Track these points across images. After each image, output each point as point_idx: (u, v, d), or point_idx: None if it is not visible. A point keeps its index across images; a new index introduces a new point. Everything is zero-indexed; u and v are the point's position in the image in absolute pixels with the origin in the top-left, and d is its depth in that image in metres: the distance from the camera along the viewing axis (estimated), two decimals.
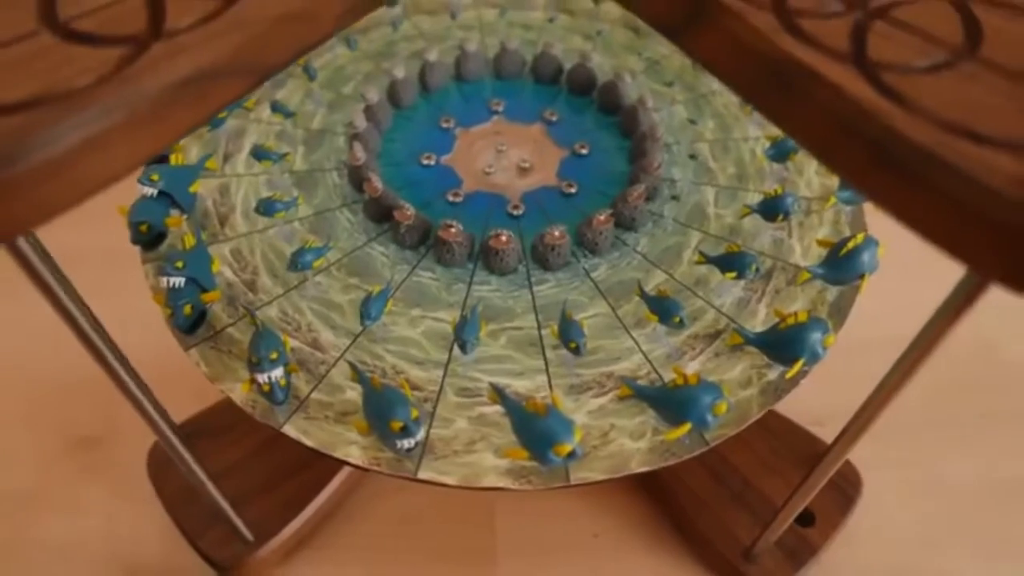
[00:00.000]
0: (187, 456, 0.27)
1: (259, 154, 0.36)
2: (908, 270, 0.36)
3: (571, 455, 0.25)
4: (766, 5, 0.20)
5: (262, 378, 0.26)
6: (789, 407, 0.39)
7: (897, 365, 0.22)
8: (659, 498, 0.37)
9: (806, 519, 0.35)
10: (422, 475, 0.26)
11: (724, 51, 0.20)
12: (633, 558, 0.36)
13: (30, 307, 0.44)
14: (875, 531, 0.38)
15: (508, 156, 0.37)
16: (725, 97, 0.40)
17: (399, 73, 0.39)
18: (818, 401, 0.35)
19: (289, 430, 0.27)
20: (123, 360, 0.23)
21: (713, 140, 0.38)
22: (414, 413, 0.25)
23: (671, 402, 0.26)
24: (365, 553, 0.37)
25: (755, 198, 0.34)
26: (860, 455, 0.37)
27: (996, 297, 0.39)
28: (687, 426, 0.26)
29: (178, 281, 0.28)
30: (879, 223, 0.25)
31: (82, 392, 0.42)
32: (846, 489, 0.36)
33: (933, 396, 0.42)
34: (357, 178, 0.35)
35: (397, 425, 0.24)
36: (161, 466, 0.37)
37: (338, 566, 0.36)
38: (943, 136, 0.16)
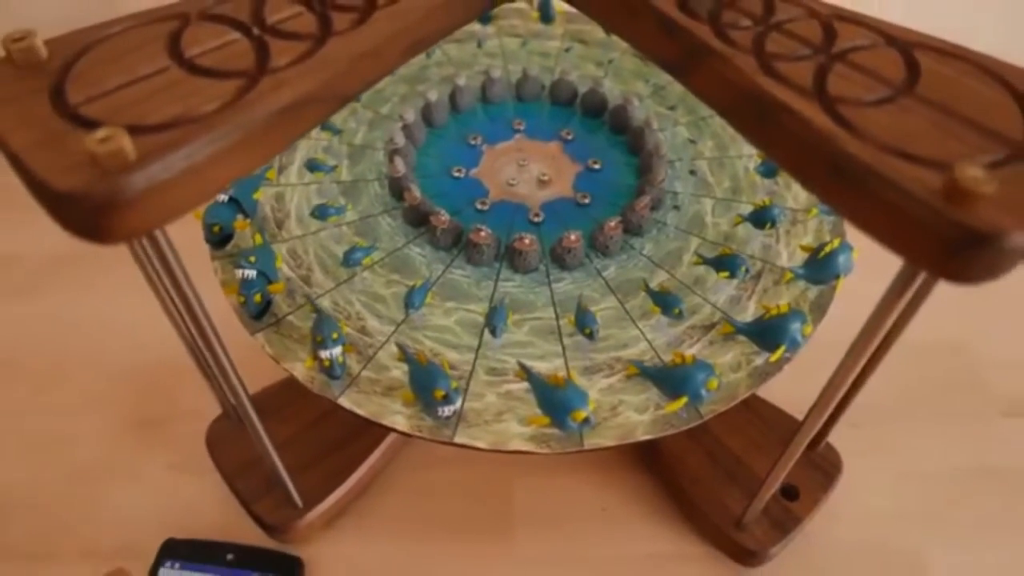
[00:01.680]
0: (258, 423, 0.32)
1: (312, 166, 0.40)
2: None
3: (586, 421, 0.29)
4: (748, 49, 0.24)
5: (325, 354, 0.31)
6: (780, 398, 0.43)
7: (852, 347, 0.26)
8: (660, 475, 0.42)
9: (792, 494, 0.40)
10: (458, 439, 0.31)
11: (713, 86, 0.25)
12: (637, 529, 0.40)
13: (98, 308, 0.50)
14: (855, 509, 0.42)
15: (529, 170, 0.42)
16: (722, 120, 0.45)
17: (432, 96, 0.44)
18: (806, 392, 0.39)
19: (344, 401, 0.32)
20: (214, 331, 0.27)
21: (711, 158, 0.43)
22: (454, 384, 0.29)
23: (670, 379, 0.31)
24: (396, 523, 0.41)
25: (747, 209, 0.39)
26: (844, 443, 0.41)
27: (966, 304, 0.45)
28: (684, 399, 0.30)
29: (251, 273, 0.33)
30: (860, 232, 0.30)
31: (145, 379, 0.47)
32: (828, 469, 0.41)
33: (911, 391, 0.47)
34: (397, 188, 0.40)
35: (440, 394, 0.29)
36: (219, 442, 0.41)
37: (373, 532, 0.40)
38: (883, 156, 0.21)
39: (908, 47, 0.25)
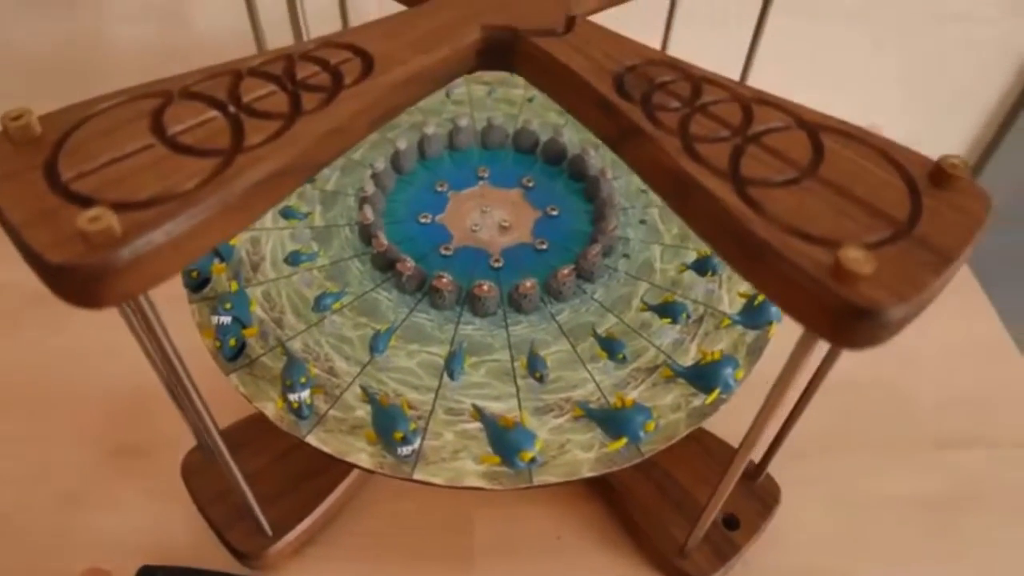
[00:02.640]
0: (229, 459, 0.34)
1: (287, 213, 0.43)
2: None
3: (532, 461, 0.32)
4: (674, 131, 0.27)
5: (293, 397, 0.33)
6: (728, 433, 0.46)
7: (770, 393, 0.29)
8: (612, 506, 0.44)
9: (733, 524, 0.42)
10: (416, 476, 0.33)
11: (643, 162, 0.28)
12: (589, 555, 0.43)
13: (79, 338, 0.52)
14: (794, 537, 0.44)
15: (491, 216, 0.45)
16: None
17: (402, 144, 0.46)
18: (742, 425, 0.42)
19: (311, 440, 0.34)
20: (189, 379, 0.30)
21: (661, 206, 0.46)
22: (412, 425, 0.32)
23: (612, 421, 0.34)
24: (362, 551, 0.43)
25: (692, 256, 0.42)
26: (786, 472, 0.44)
27: (904, 345, 0.49)
28: (624, 440, 0.33)
29: (226, 320, 0.35)
30: None
31: (123, 409, 0.49)
32: (767, 500, 0.43)
33: (847, 424, 0.50)
34: (366, 234, 0.42)
35: (399, 435, 0.32)
36: (194, 472, 0.43)
37: (340, 560, 0.43)
38: (783, 236, 0.24)
39: (816, 129, 0.28)
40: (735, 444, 0.45)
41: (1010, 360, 0.55)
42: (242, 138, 0.26)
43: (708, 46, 0.57)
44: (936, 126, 0.74)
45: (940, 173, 0.26)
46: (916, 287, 0.23)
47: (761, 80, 0.60)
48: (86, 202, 0.24)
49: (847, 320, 0.22)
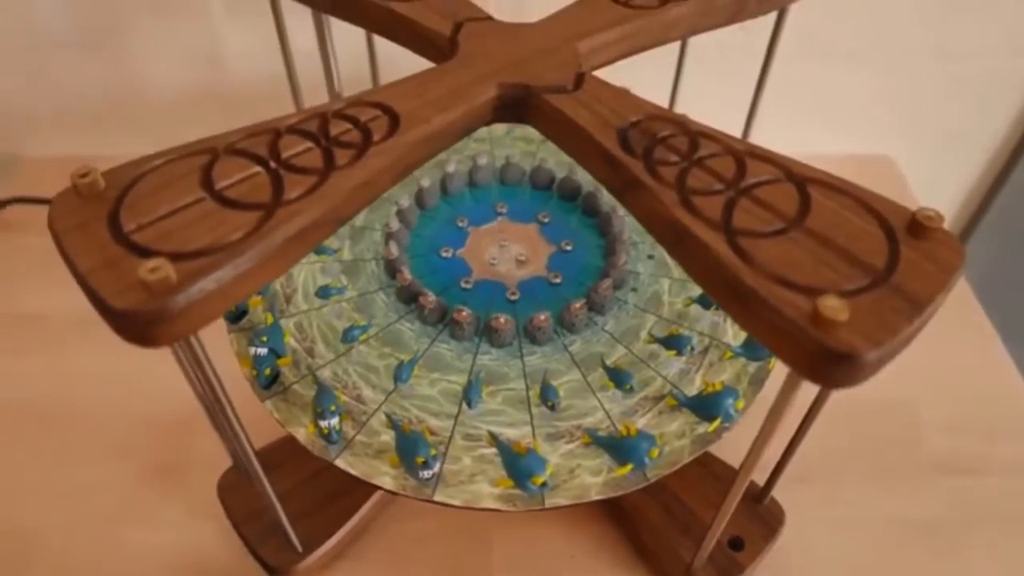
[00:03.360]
0: (264, 480, 0.37)
1: (318, 249, 0.46)
2: None
3: (544, 485, 0.34)
4: (672, 184, 0.30)
5: (324, 424, 0.36)
6: (735, 458, 0.48)
7: (764, 423, 0.31)
8: (622, 527, 0.46)
9: (738, 545, 0.44)
10: (436, 498, 0.36)
11: (643, 212, 0.30)
12: (600, 573, 0.45)
13: (121, 364, 0.55)
14: (798, 559, 0.46)
15: (509, 250, 0.47)
16: None
17: (425, 182, 0.49)
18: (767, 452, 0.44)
19: (340, 463, 0.37)
20: (231, 406, 0.32)
21: None
22: (432, 452, 0.35)
23: (619, 448, 0.36)
24: (386, 566, 0.46)
25: (698, 290, 0.45)
26: (791, 495, 0.46)
27: (912, 369, 0.51)
28: (630, 466, 0.35)
29: (262, 351, 0.38)
30: None
31: (163, 431, 0.52)
32: (771, 523, 0.45)
33: (850, 449, 0.52)
34: (391, 269, 0.45)
35: (420, 460, 0.34)
36: (229, 491, 0.46)
37: (365, 575, 0.45)
38: (769, 283, 0.26)
39: (804, 182, 0.30)
40: (737, 465, 0.47)
41: (1013, 386, 0.56)
42: (282, 192, 0.29)
43: (718, 86, 0.60)
44: (942, 159, 0.76)
45: (917, 224, 0.28)
46: (890, 333, 0.25)
47: (769, 119, 0.63)
48: (145, 252, 0.27)
49: (825, 363, 0.25)
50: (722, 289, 0.27)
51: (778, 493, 0.46)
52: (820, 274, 0.27)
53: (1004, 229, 0.78)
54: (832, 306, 0.24)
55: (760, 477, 0.45)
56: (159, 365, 0.49)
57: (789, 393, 0.29)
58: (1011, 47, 0.67)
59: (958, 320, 0.61)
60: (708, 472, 0.47)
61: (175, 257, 0.26)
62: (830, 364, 0.25)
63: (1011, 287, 0.82)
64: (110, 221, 0.28)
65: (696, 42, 0.49)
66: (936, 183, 0.76)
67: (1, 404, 0.54)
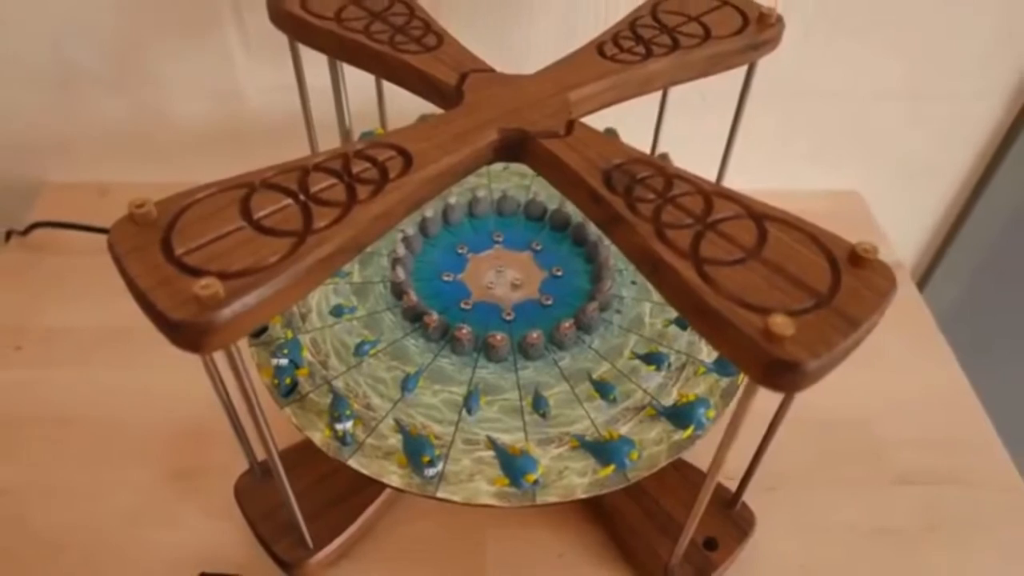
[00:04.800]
0: (284, 478, 0.41)
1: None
2: None
3: (535, 483, 0.39)
4: (648, 219, 0.35)
5: (339, 427, 0.40)
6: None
7: (728, 426, 0.36)
8: (606, 528, 0.50)
9: (713, 546, 0.48)
10: (439, 494, 0.40)
11: (624, 243, 0.35)
12: (587, 572, 0.49)
13: (142, 376, 0.59)
14: (768, 560, 0.50)
15: (505, 275, 0.52)
16: None
17: (428, 212, 0.54)
18: (729, 462, 0.49)
19: (352, 463, 0.41)
20: (260, 409, 0.37)
21: None
22: (437, 452, 0.39)
23: (602, 451, 0.40)
24: (390, 563, 0.50)
25: (676, 313, 0.49)
26: (761, 504, 0.50)
27: (877, 388, 0.56)
28: (612, 467, 0.40)
29: (283, 362, 0.42)
30: None
31: (180, 438, 0.56)
32: (743, 526, 0.49)
33: (823, 461, 0.56)
34: (398, 290, 0.50)
35: (426, 459, 0.38)
36: (245, 493, 0.50)
37: (370, 572, 0.49)
38: (730, 305, 0.31)
39: (762, 218, 0.35)
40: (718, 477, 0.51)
41: (969, 407, 0.61)
42: (311, 222, 0.34)
43: (699, 125, 0.65)
44: (908, 194, 0.81)
45: (856, 256, 0.33)
46: (828, 346, 0.29)
47: (748, 155, 0.69)
48: (195, 272, 0.31)
49: (774, 371, 0.29)
50: (691, 309, 0.32)
51: (750, 501, 0.50)
52: (772, 296, 0.31)
53: (967, 259, 0.84)
54: (780, 323, 0.29)
55: (733, 485, 0.49)
56: (176, 378, 0.54)
57: (748, 398, 0.33)
58: (972, 91, 0.72)
59: (919, 345, 0.66)
60: (685, 479, 0.51)
61: (221, 276, 0.30)
62: (779, 372, 0.29)
63: (974, 314, 0.87)
64: (163, 245, 0.32)
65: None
66: (902, 217, 0.81)
67: (30, 412, 0.57)
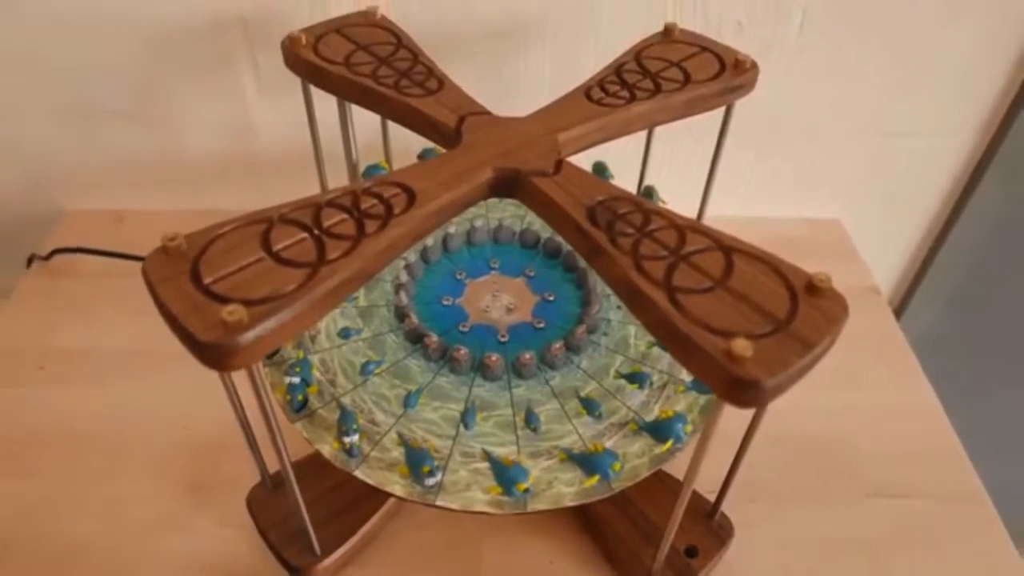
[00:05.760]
0: (296, 488, 0.44)
1: None
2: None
3: (526, 491, 0.42)
4: (627, 252, 0.39)
5: (346, 440, 0.44)
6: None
7: (699, 440, 0.39)
8: (594, 536, 0.54)
9: (693, 553, 0.52)
10: (438, 503, 0.44)
11: (605, 272, 0.39)
12: None
13: (154, 394, 0.62)
14: (746, 567, 0.54)
15: (500, 300, 0.56)
16: None
17: (429, 241, 0.58)
18: (712, 476, 0.52)
19: (358, 474, 0.45)
20: (277, 424, 0.40)
21: None
22: (437, 463, 0.43)
23: (588, 462, 0.44)
24: (392, 568, 0.53)
25: None
26: (741, 515, 0.54)
27: (853, 409, 0.60)
28: (597, 477, 0.43)
29: (295, 380, 0.46)
30: None
31: (194, 453, 0.59)
32: (722, 535, 0.53)
33: (801, 476, 0.59)
34: (400, 314, 0.53)
35: (426, 469, 0.42)
36: (256, 503, 0.53)
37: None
38: (697, 329, 0.34)
39: (729, 251, 0.39)
40: (700, 488, 0.55)
41: (941, 428, 0.64)
42: (324, 254, 0.38)
43: (686, 158, 0.69)
44: (885, 223, 0.85)
45: (812, 286, 0.36)
46: (784, 366, 0.33)
47: (732, 185, 0.73)
48: (222, 299, 0.35)
49: (736, 388, 0.33)
50: (664, 333, 0.36)
51: (732, 512, 0.53)
52: (736, 322, 0.35)
53: (942, 286, 0.88)
54: (741, 345, 0.33)
55: (714, 497, 0.53)
56: (188, 396, 0.58)
57: (716, 413, 0.37)
58: (943, 128, 0.77)
59: (894, 367, 0.69)
60: (668, 490, 0.55)
61: (245, 303, 0.34)
62: (740, 389, 0.33)
63: (949, 340, 0.91)
64: (192, 275, 0.36)
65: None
66: (881, 244, 0.85)
67: (52, 428, 0.61)
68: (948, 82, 0.73)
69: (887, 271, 0.90)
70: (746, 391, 0.33)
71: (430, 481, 0.43)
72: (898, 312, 0.91)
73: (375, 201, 0.41)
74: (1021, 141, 0.75)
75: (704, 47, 0.54)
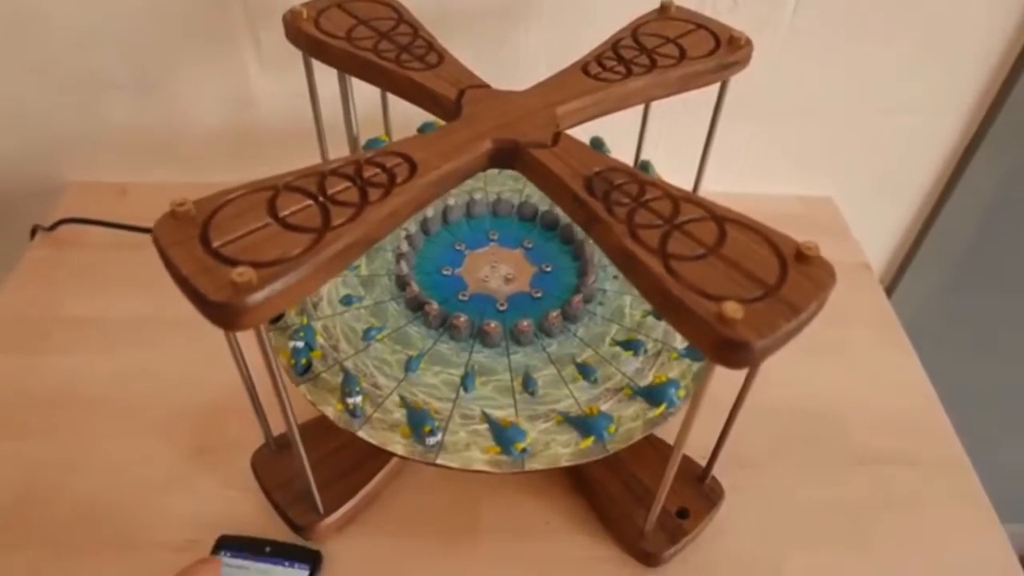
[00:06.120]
0: (301, 447, 0.46)
1: None
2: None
3: (524, 451, 0.44)
4: (623, 220, 0.40)
5: (350, 401, 0.45)
6: (687, 446, 0.57)
7: (690, 403, 0.41)
8: (588, 498, 0.55)
9: (685, 515, 0.54)
10: (439, 461, 0.45)
11: (601, 240, 0.40)
12: (570, 536, 0.54)
13: (163, 361, 0.64)
14: (737, 529, 0.55)
15: (499, 270, 0.57)
16: None
17: (429, 212, 0.59)
18: (704, 443, 0.54)
19: (362, 434, 0.46)
20: (283, 383, 0.42)
21: None
22: (437, 423, 0.44)
23: (583, 425, 0.46)
24: (393, 527, 0.54)
25: None
26: (732, 479, 0.56)
27: (843, 380, 0.62)
28: (592, 439, 0.45)
29: (299, 344, 0.48)
30: None
31: (200, 416, 0.61)
32: (712, 497, 0.54)
33: (791, 444, 0.61)
34: (401, 282, 0.55)
35: (427, 429, 0.44)
36: (261, 464, 0.55)
37: (374, 535, 0.54)
38: (690, 294, 0.36)
39: (722, 220, 0.40)
40: (692, 454, 0.57)
41: (928, 398, 0.66)
42: (329, 220, 0.39)
43: (682, 132, 0.70)
44: (877, 201, 0.87)
45: (801, 253, 0.38)
46: (772, 329, 0.34)
47: (728, 162, 0.74)
48: (231, 262, 0.36)
49: (727, 349, 0.34)
50: (657, 297, 0.37)
51: (721, 477, 0.55)
52: (727, 287, 0.36)
53: (933, 263, 0.89)
54: (732, 308, 0.34)
55: (705, 462, 0.55)
56: (193, 363, 0.60)
57: (708, 375, 0.39)
58: (933, 106, 0.78)
59: (883, 340, 0.71)
60: (661, 455, 0.56)
61: (254, 265, 0.35)
62: (730, 350, 0.34)
63: (938, 318, 0.93)
64: (201, 239, 0.37)
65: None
66: (874, 223, 0.87)
67: (61, 394, 0.62)
68: (941, 61, 0.74)
69: (879, 250, 0.91)
70: (736, 352, 0.34)
71: (431, 441, 0.45)
72: (889, 291, 0.93)
73: (378, 170, 0.42)
74: (1012, 121, 0.76)
75: (699, 24, 0.55)
